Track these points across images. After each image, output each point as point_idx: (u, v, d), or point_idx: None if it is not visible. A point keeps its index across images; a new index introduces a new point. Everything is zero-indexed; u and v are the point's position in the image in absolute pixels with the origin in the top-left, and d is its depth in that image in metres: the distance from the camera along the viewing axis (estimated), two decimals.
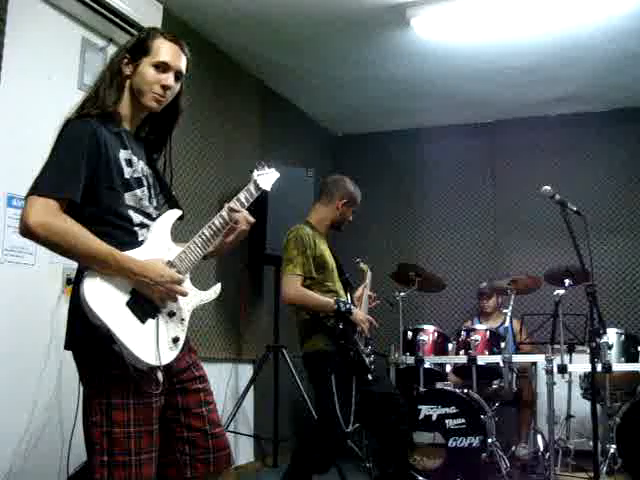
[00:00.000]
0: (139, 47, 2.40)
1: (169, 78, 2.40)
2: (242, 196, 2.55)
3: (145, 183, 2.40)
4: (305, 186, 5.79)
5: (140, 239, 2.34)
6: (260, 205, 5.21)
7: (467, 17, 5.14)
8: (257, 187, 2.60)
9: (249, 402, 5.86)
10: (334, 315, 4.00)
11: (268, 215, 5.55)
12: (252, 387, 5.69)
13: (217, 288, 2.49)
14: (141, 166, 2.40)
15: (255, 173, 2.65)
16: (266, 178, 2.67)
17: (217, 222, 2.47)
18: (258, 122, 6.29)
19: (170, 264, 2.32)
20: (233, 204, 2.52)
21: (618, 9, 5.06)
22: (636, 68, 6.05)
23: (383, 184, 7.49)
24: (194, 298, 2.40)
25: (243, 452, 5.81)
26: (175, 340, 2.30)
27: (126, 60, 2.39)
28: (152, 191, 2.43)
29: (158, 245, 2.35)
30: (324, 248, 4.21)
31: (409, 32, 5.37)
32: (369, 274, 4.62)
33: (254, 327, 6.01)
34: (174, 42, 2.43)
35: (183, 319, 2.35)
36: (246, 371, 5.89)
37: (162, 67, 2.39)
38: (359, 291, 4.48)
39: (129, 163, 2.34)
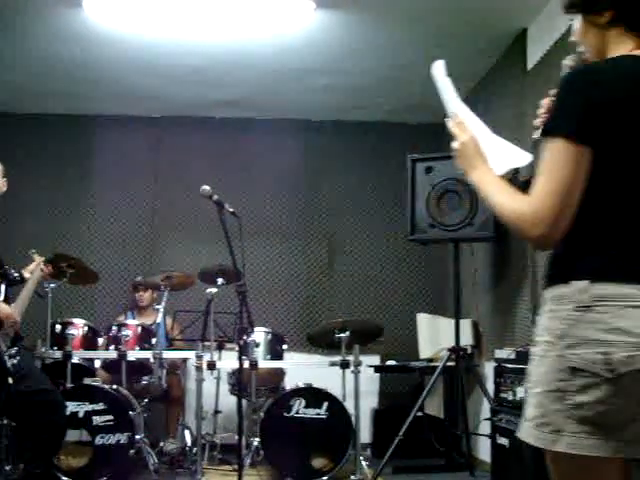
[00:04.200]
0: None
1: None
2: None
3: None
4: None
5: None
6: None
7: (140, 8, 5.06)
8: None
9: None
10: None
11: None
12: None
13: None
14: None
15: None
16: None
17: None
18: None
19: None
20: None
21: (287, 27, 5.32)
22: (301, 82, 6.38)
23: (44, 169, 7.09)
24: None
25: None
26: None
27: None
28: None
29: None
30: None
31: (80, 13, 5.13)
32: (36, 274, 4.46)
33: None
34: None
35: None
36: None
37: None
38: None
39: None
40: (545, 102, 1.92)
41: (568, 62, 1.95)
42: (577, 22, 1.92)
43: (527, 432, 1.75)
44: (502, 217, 1.78)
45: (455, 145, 1.97)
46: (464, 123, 1.98)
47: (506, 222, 1.78)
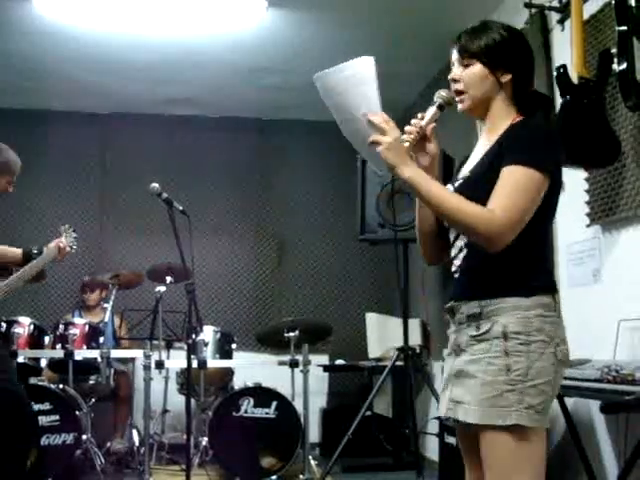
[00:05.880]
0: None
1: None
2: None
3: None
4: None
5: None
6: None
7: (91, 2, 5.01)
8: None
9: None
10: None
11: None
12: None
13: None
14: None
15: None
16: None
17: None
18: None
19: None
20: None
21: (239, 25, 5.31)
22: (252, 81, 6.37)
23: None
24: None
25: None
26: None
27: None
28: None
29: None
30: None
31: (29, 7, 5.06)
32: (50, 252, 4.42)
33: None
34: None
35: None
36: None
37: None
38: None
39: None
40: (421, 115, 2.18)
41: (444, 93, 2.18)
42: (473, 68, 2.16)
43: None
44: (454, 217, 2.03)
45: (386, 139, 2.05)
46: (391, 121, 2.09)
47: (458, 222, 2.03)
